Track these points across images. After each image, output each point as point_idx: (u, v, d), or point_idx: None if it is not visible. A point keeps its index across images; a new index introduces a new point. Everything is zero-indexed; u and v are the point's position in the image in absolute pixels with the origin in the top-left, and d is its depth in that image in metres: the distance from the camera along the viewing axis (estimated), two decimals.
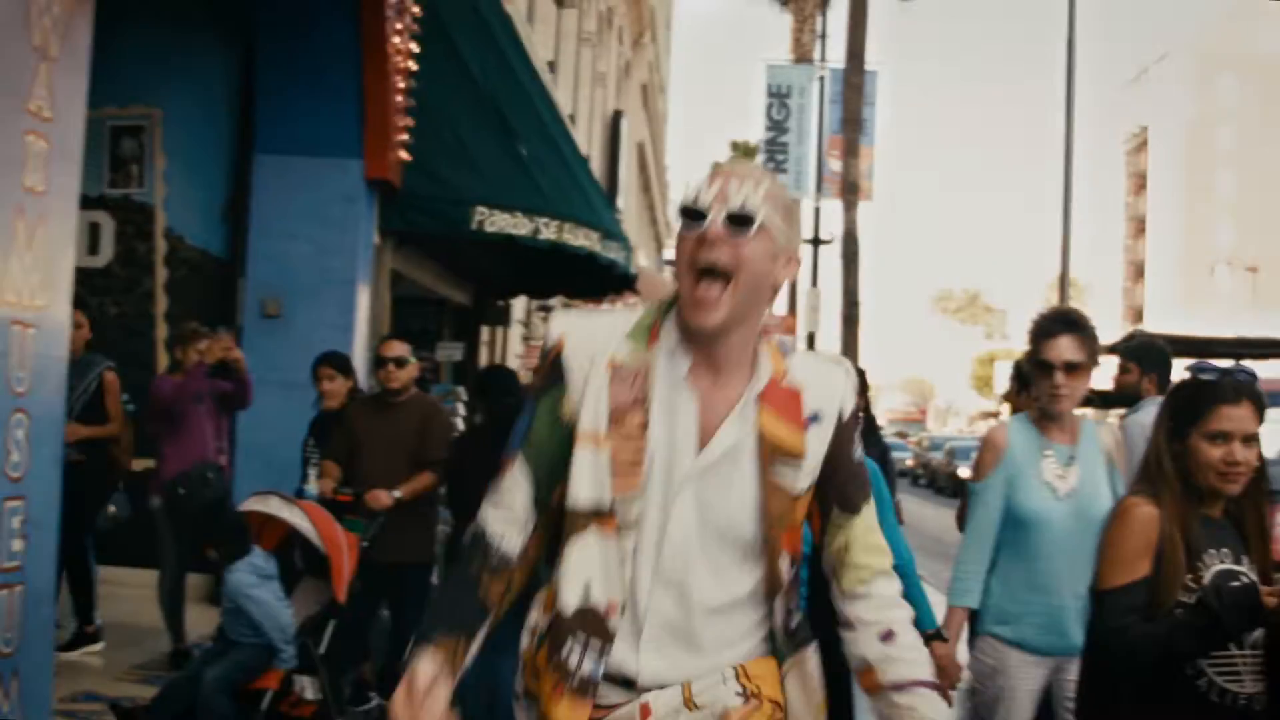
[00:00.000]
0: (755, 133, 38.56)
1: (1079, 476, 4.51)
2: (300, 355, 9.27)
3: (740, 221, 2.44)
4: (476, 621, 2.50)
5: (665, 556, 2.49)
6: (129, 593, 9.28)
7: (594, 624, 2.49)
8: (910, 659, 2.59)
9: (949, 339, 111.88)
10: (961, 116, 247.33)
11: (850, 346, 27.08)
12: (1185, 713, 3.36)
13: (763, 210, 2.45)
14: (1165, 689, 3.36)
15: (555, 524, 2.58)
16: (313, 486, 7.06)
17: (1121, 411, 6.75)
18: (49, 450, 5.29)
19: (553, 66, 20.40)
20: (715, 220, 2.44)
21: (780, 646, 2.61)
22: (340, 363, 7.85)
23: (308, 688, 6.19)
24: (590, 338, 2.57)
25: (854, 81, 28.71)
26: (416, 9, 10.15)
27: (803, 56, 35.53)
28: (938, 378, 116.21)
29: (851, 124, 28.65)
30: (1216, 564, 3.35)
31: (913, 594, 4.54)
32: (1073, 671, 4.18)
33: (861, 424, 2.72)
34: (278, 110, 10.02)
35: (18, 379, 4.98)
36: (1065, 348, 4.48)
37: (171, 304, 10.43)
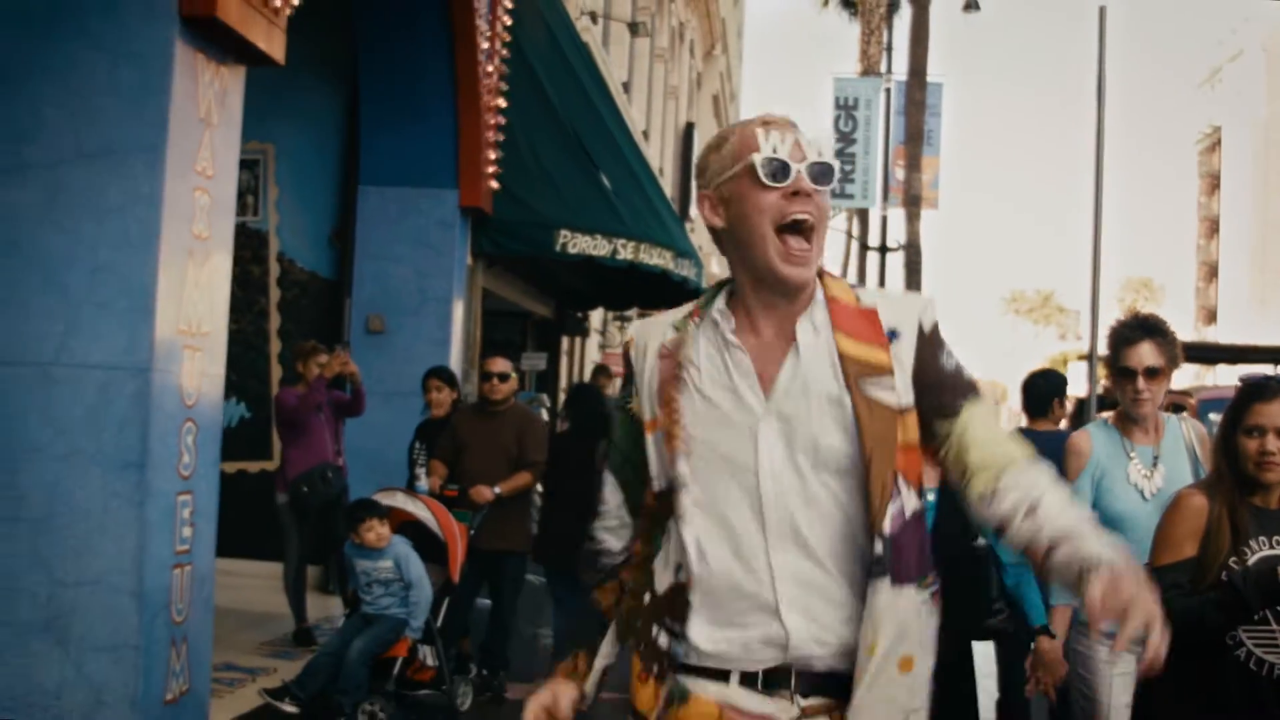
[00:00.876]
0: None
1: (1165, 476, 4.54)
2: (402, 368, 10.13)
3: (822, 174, 2.37)
4: (596, 634, 2.59)
5: (768, 509, 2.34)
6: (248, 582, 10.23)
7: (680, 604, 2.40)
8: (1069, 529, 2.36)
9: (1022, 340, 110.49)
10: (1029, 121, 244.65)
11: None
12: (1224, 679, 3.61)
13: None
14: (1207, 657, 3.61)
15: (659, 517, 2.49)
16: (423, 483, 7.91)
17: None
18: (210, 453, 6.07)
19: (627, 87, 21.01)
20: (801, 173, 2.36)
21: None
22: (447, 376, 8.60)
23: (429, 656, 7.10)
24: (647, 332, 2.57)
25: (916, 98, 29.10)
26: (505, 51, 10.89)
27: (870, 68, 35.76)
28: (1011, 379, 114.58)
29: (914, 139, 28.98)
30: (1264, 550, 3.59)
31: (1024, 591, 4.86)
32: None
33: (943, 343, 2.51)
34: (380, 145, 10.76)
35: (188, 394, 5.82)
36: (1146, 354, 4.53)
37: (284, 322, 11.18)
